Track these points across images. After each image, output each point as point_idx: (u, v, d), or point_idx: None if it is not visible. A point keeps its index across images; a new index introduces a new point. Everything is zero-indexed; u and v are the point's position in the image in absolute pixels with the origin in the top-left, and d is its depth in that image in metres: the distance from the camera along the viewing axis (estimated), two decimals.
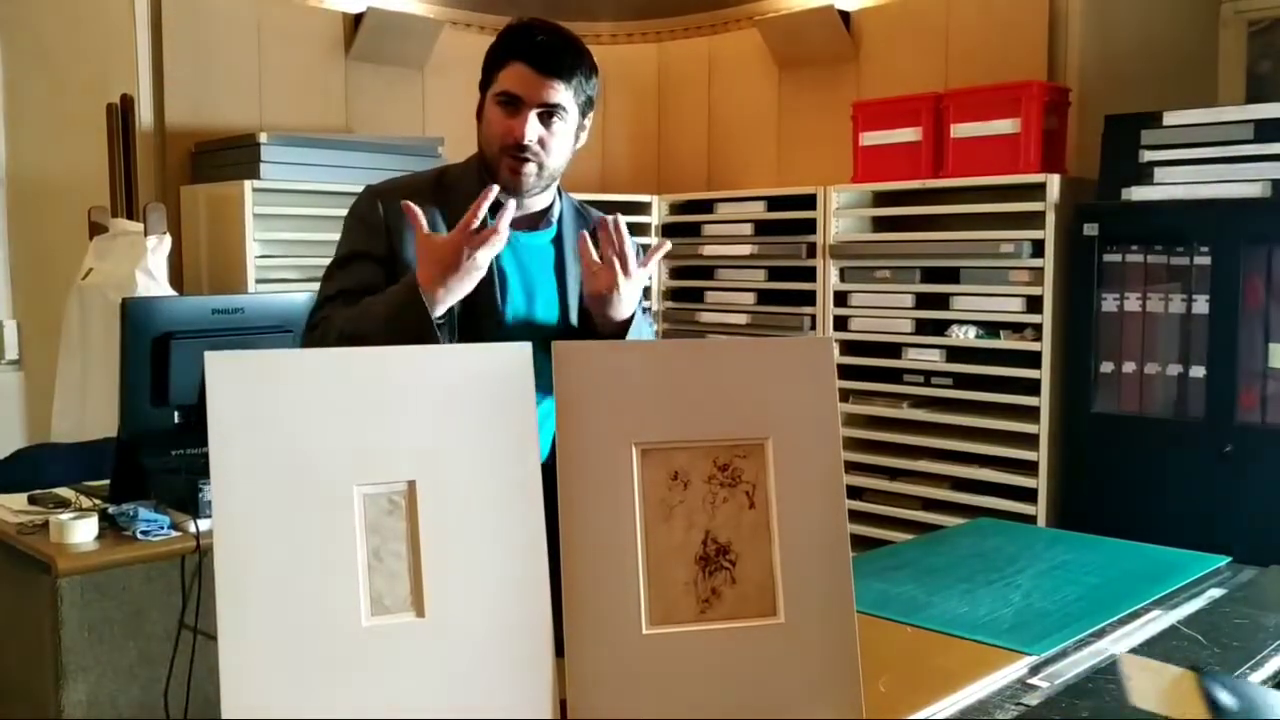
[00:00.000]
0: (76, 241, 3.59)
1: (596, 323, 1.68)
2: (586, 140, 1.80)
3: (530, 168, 1.69)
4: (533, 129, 1.67)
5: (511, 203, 1.63)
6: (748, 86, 4.63)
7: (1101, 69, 3.70)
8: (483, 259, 1.56)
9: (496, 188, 1.60)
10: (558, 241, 1.80)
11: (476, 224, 1.55)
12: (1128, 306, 3.28)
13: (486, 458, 1.16)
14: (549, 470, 1.17)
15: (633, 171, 4.93)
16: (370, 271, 1.70)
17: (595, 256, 1.64)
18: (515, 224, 1.76)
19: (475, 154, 1.80)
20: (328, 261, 1.78)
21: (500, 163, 1.70)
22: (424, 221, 1.58)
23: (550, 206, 1.80)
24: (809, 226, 3.96)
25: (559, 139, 1.71)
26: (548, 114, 1.68)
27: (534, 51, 1.65)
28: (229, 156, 3.69)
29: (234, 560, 1.07)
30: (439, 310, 1.57)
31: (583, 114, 1.75)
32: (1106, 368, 3.33)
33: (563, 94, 1.68)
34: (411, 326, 1.54)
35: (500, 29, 1.75)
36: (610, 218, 1.65)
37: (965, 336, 3.57)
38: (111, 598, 2.18)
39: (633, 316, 1.66)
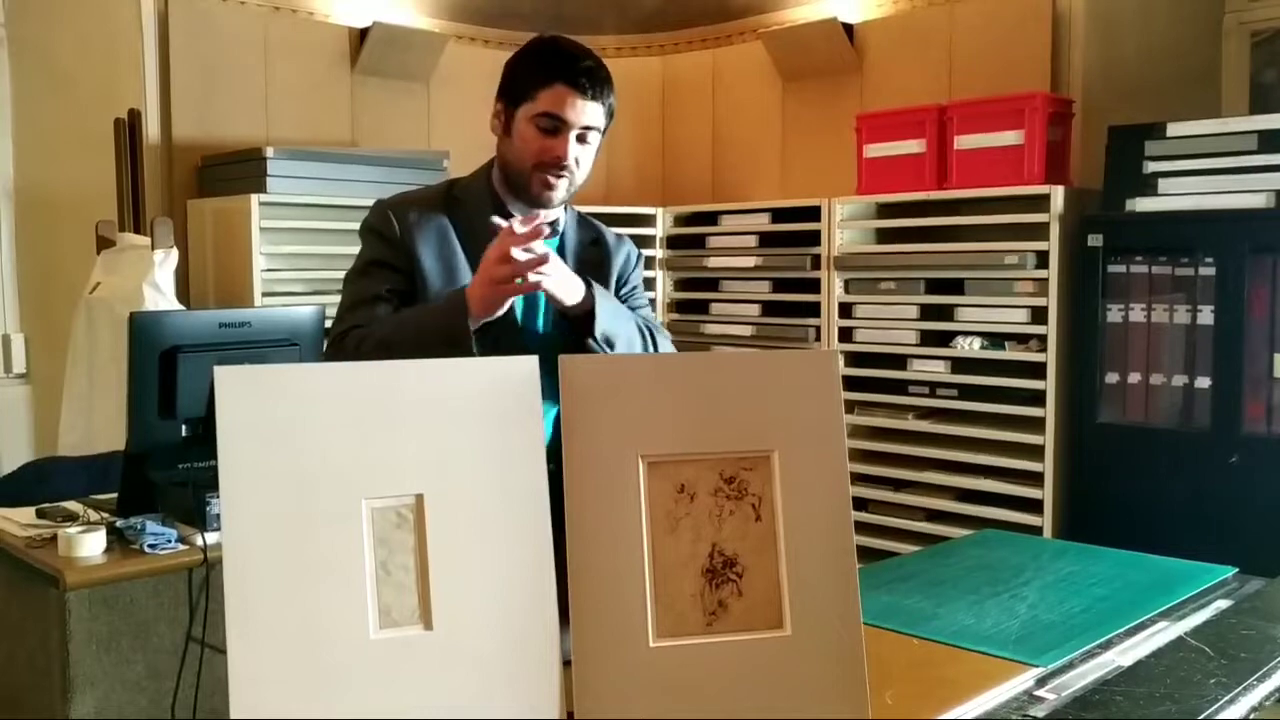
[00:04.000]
0: (84, 255, 3.61)
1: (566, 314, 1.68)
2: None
3: (564, 183, 1.73)
4: (574, 150, 1.71)
5: (541, 216, 1.61)
6: (752, 99, 4.64)
7: (1105, 80, 3.71)
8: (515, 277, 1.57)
9: (501, 220, 1.60)
10: (560, 251, 1.81)
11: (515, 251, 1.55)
12: (1132, 317, 3.29)
13: (494, 470, 1.17)
14: (555, 481, 1.18)
15: (637, 183, 4.95)
16: (394, 279, 1.71)
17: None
18: None
19: (484, 166, 1.81)
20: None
21: (533, 178, 1.72)
22: (497, 221, 1.60)
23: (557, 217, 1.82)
24: (813, 238, 3.96)
25: (589, 157, 1.76)
26: (584, 134, 1.72)
27: (579, 75, 1.69)
28: (235, 170, 3.71)
29: (242, 573, 1.07)
30: (475, 324, 1.59)
31: (604, 131, 1.78)
32: (1112, 378, 3.33)
33: (600, 117, 1.72)
34: (450, 336, 1.56)
35: (519, 43, 1.78)
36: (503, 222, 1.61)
37: (970, 348, 3.58)
38: (119, 611, 2.18)
39: (592, 295, 1.66)
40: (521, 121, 1.72)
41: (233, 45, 3.93)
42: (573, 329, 1.69)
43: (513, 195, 1.76)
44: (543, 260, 1.57)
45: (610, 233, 1.90)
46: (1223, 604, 1.76)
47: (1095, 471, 3.35)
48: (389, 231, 1.72)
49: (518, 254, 1.55)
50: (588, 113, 1.69)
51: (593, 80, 1.69)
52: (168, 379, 2.30)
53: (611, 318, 1.69)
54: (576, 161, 1.72)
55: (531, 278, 1.56)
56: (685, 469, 1.20)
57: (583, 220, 1.90)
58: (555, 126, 1.69)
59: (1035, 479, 3.42)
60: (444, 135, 4.41)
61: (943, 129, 3.67)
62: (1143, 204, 3.28)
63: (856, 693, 1.18)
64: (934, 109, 3.70)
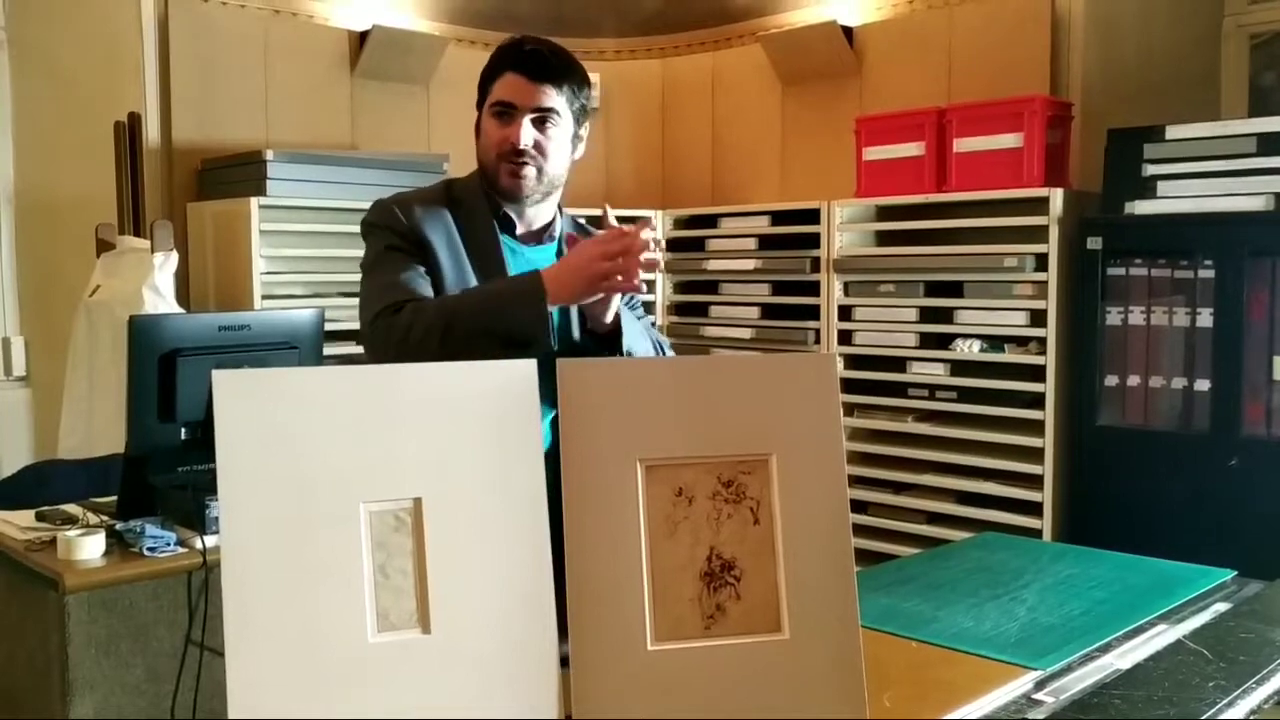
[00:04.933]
0: (84, 258, 3.61)
1: (590, 324, 1.69)
2: (584, 153, 1.83)
3: (529, 171, 1.72)
4: (527, 133, 1.71)
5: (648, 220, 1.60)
6: (751, 102, 4.64)
7: (1104, 83, 3.71)
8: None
9: (614, 213, 1.62)
10: (557, 256, 1.81)
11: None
12: (1132, 320, 3.29)
13: (492, 474, 1.17)
14: (553, 485, 1.18)
15: (637, 186, 4.95)
16: (415, 259, 1.70)
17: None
18: (521, 238, 1.79)
19: (478, 169, 1.82)
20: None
21: (499, 169, 1.73)
22: (612, 219, 1.62)
23: (553, 221, 1.82)
24: (813, 241, 3.96)
25: (555, 144, 1.74)
26: (541, 119, 1.72)
27: (524, 59, 1.71)
28: (235, 173, 3.71)
29: (241, 576, 1.07)
30: (553, 305, 1.59)
31: (577, 122, 1.78)
32: (1111, 381, 3.33)
33: (555, 99, 1.72)
34: (529, 319, 1.56)
35: None
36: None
37: (969, 350, 3.58)
38: (118, 614, 2.18)
39: (618, 312, 1.68)
40: (485, 118, 1.75)
41: (233, 48, 3.93)
42: (596, 344, 1.70)
43: (499, 196, 1.77)
44: (654, 265, 1.57)
45: None
46: (1222, 607, 1.76)
47: (1095, 474, 3.35)
48: (397, 225, 1.72)
49: (651, 255, 1.55)
50: (536, 95, 1.70)
51: (537, 62, 1.70)
52: (167, 382, 2.30)
53: (635, 335, 1.72)
54: (538, 148, 1.71)
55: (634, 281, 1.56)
56: (683, 473, 1.20)
57: (577, 226, 1.91)
58: (508, 112, 1.71)
59: (1035, 481, 3.42)
60: (444, 138, 4.41)
61: (942, 132, 3.67)
62: (1142, 206, 3.28)
63: (855, 696, 1.18)
64: (933, 112, 3.70)
